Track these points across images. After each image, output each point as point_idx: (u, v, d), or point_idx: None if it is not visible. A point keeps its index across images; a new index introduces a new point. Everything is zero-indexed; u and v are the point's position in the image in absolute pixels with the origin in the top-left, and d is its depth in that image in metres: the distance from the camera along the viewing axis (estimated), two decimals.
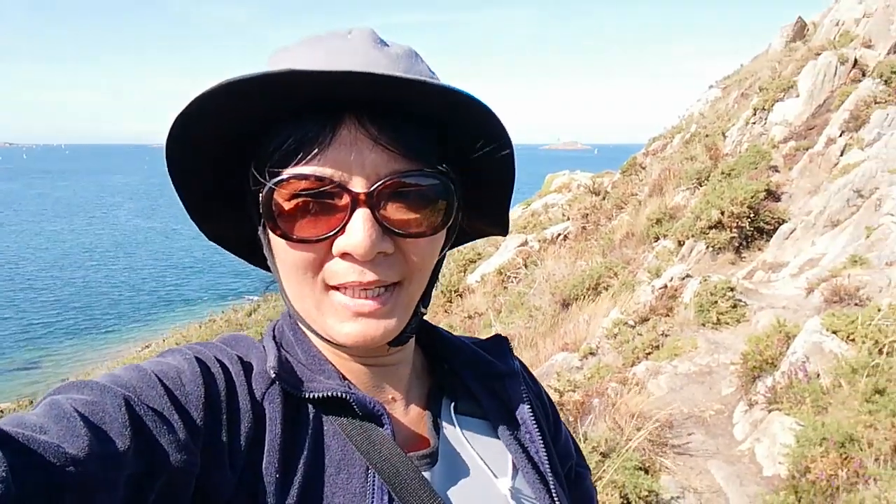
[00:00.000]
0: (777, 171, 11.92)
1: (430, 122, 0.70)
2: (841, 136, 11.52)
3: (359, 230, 0.67)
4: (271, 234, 0.72)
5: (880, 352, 4.45)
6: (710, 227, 10.43)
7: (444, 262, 0.85)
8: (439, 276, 0.84)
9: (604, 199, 17.14)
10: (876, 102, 11.46)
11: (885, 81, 11.53)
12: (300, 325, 0.80)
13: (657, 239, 12.46)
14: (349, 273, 0.70)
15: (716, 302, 6.86)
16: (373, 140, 0.67)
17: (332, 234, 0.68)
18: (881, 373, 4.21)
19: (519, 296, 12.89)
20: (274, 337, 0.81)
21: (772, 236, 10.18)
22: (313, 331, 0.77)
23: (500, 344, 0.97)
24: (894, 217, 8.10)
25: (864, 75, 12.64)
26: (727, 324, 6.73)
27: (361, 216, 0.67)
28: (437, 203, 0.72)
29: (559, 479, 0.87)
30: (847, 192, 9.69)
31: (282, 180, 0.67)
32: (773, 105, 13.76)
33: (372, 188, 0.67)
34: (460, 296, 14.50)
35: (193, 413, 0.64)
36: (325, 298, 0.72)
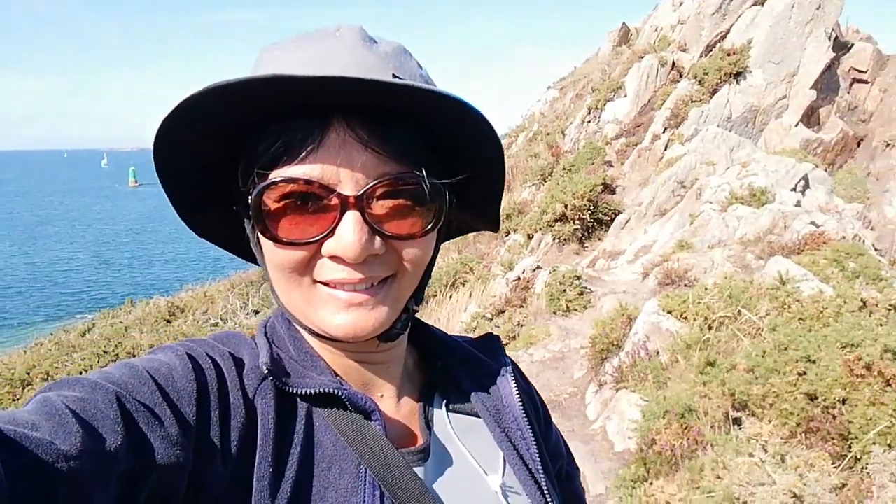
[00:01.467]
0: (611, 165, 12.81)
1: (420, 123, 0.70)
2: (664, 132, 12.60)
3: (349, 233, 0.67)
4: (260, 235, 0.72)
5: (710, 328, 4.88)
6: (556, 220, 11.01)
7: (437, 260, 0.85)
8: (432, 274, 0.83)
9: None
10: (692, 101, 12.64)
11: (700, 82, 12.75)
12: (292, 321, 0.80)
13: (508, 233, 12.95)
14: (338, 271, 0.70)
15: (564, 290, 7.21)
16: (362, 143, 0.67)
17: (321, 236, 0.68)
18: (711, 346, 4.62)
19: None
20: (266, 334, 0.80)
21: (610, 226, 10.93)
22: (305, 327, 0.77)
23: (492, 343, 0.98)
24: (713, 204, 8.97)
25: (681, 76, 13.90)
26: (576, 310, 7.10)
27: (351, 219, 0.67)
28: (427, 205, 0.72)
29: (550, 478, 0.88)
30: (672, 184, 10.62)
31: (271, 183, 0.67)
32: (604, 105, 14.76)
33: (362, 191, 0.67)
34: None
35: (185, 409, 0.64)
36: (315, 292, 0.72)
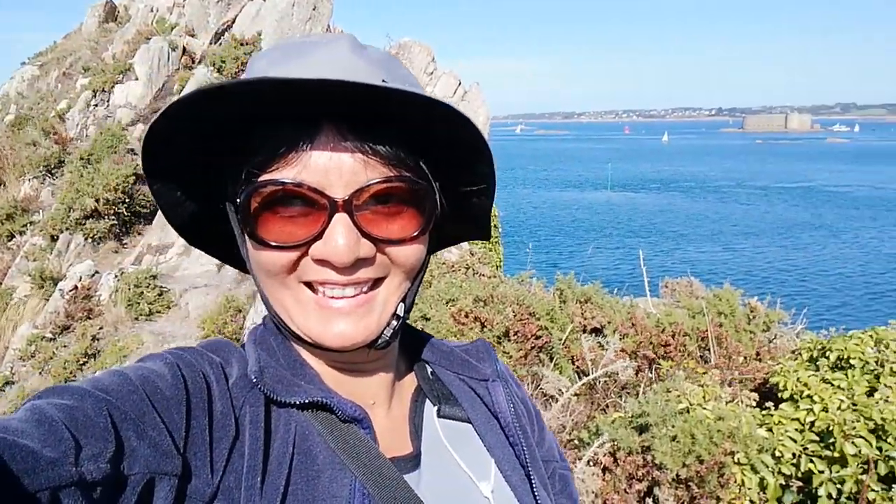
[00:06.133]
0: (136, 154, 11.91)
1: (409, 128, 0.69)
2: None
3: (338, 236, 0.66)
4: (248, 240, 0.71)
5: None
6: (86, 217, 9.75)
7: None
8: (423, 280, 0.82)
9: None
10: None
11: (218, 69, 12.82)
12: (282, 330, 0.78)
13: (12, 237, 10.83)
14: (326, 272, 0.69)
15: (142, 293, 6.62)
16: (352, 147, 0.67)
17: (309, 239, 0.68)
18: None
19: None
20: (255, 342, 0.78)
21: (152, 219, 10.23)
22: (295, 335, 0.75)
23: (484, 348, 0.97)
24: None
25: (194, 62, 13.70)
26: (160, 312, 6.63)
27: (340, 222, 0.67)
28: (415, 209, 0.72)
29: (542, 483, 0.87)
30: None
31: (259, 185, 0.67)
32: (113, 87, 13.50)
33: (350, 194, 0.67)
34: None
35: (174, 417, 0.63)
36: (306, 300, 0.71)
